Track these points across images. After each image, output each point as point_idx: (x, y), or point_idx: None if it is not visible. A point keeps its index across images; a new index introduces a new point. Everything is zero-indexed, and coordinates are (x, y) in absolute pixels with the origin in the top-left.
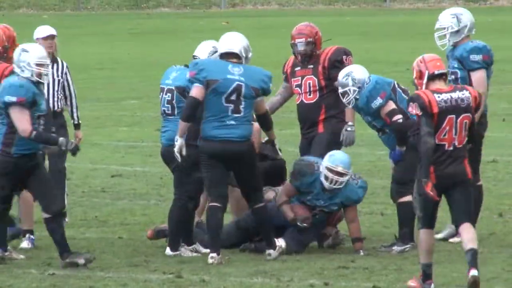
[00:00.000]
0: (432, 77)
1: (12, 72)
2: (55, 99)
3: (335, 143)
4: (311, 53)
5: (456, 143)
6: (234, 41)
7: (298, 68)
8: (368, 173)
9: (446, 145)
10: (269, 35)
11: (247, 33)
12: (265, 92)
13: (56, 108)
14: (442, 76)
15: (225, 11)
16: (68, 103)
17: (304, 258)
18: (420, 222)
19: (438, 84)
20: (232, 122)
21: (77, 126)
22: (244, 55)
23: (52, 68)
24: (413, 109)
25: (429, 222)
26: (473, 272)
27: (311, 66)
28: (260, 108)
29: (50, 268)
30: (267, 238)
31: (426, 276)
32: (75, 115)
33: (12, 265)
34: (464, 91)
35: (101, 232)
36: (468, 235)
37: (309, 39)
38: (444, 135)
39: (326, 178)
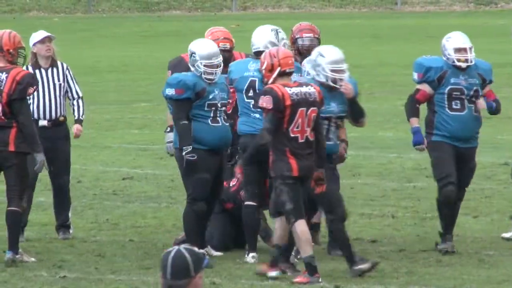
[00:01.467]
0: (283, 74)
1: (24, 77)
2: (58, 106)
3: None
4: (312, 49)
5: (309, 136)
6: (257, 39)
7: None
8: (379, 175)
9: (299, 137)
10: None
11: None
12: None
13: (58, 115)
14: (290, 74)
15: (236, 14)
16: (74, 102)
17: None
18: (292, 215)
19: (286, 80)
20: (257, 115)
21: (78, 121)
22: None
23: (52, 72)
24: (265, 103)
25: (301, 212)
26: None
27: None
28: None
29: (61, 271)
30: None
31: (312, 269)
32: (80, 113)
33: (23, 268)
34: (310, 86)
35: (112, 235)
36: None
37: (315, 36)
38: (297, 127)
39: (334, 80)
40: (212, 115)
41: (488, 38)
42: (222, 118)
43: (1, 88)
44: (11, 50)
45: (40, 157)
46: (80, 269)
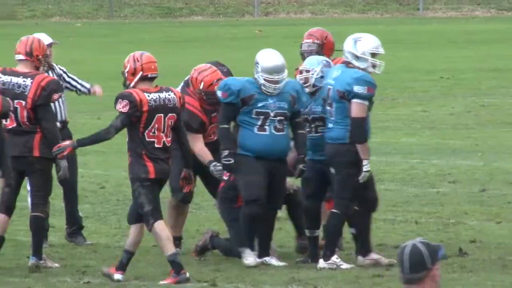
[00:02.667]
0: (144, 78)
1: (49, 83)
2: (61, 108)
3: None
4: (315, 55)
5: (166, 141)
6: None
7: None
8: (402, 181)
9: (156, 142)
10: None
11: (280, 41)
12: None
13: (63, 118)
14: (153, 79)
15: (258, 20)
16: (83, 89)
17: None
18: (151, 216)
19: (148, 85)
20: (330, 125)
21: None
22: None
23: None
24: (121, 107)
25: (160, 213)
26: None
27: None
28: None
29: (85, 277)
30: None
31: (177, 266)
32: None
33: (47, 274)
34: (170, 92)
35: None
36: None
37: (316, 41)
38: (154, 132)
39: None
40: (259, 123)
41: (510, 43)
42: (273, 127)
43: (26, 93)
44: (40, 56)
45: (64, 163)
46: None
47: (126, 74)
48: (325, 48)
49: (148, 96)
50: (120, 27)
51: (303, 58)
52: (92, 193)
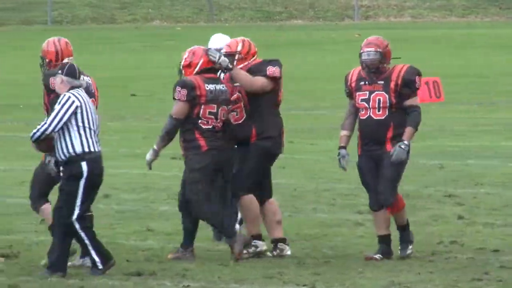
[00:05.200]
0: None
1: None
2: None
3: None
4: (378, 64)
5: None
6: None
7: (364, 83)
8: (502, 185)
9: None
10: (402, 48)
11: None
12: None
13: None
14: None
15: (358, 23)
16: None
17: (437, 270)
18: None
19: None
20: None
21: None
22: None
23: None
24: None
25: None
26: None
27: (381, 82)
28: None
29: (184, 280)
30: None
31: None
32: None
33: (146, 277)
34: None
35: None
36: None
37: (378, 50)
38: None
39: None
40: None
41: None
42: None
43: (92, 91)
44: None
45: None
46: (204, 278)
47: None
48: (386, 56)
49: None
50: (220, 30)
51: (363, 68)
52: None
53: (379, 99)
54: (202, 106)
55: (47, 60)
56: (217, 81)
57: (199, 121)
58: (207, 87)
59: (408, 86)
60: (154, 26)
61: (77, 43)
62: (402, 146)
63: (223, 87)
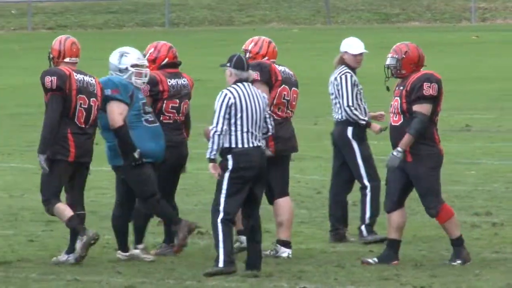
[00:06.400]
0: None
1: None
2: None
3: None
4: (394, 70)
5: None
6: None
7: (396, 88)
8: None
9: None
10: None
11: (497, 48)
12: None
13: None
14: None
15: (475, 25)
16: None
17: None
18: None
19: None
20: None
21: None
22: None
23: None
24: None
25: None
26: None
27: (400, 88)
28: None
29: (301, 282)
30: None
31: None
32: None
33: (263, 279)
34: None
35: (352, 245)
36: None
37: (395, 56)
38: None
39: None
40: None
41: None
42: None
43: (95, 91)
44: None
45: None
46: (320, 280)
47: None
48: (403, 63)
49: None
50: (337, 33)
51: (392, 74)
52: (308, 198)
53: (395, 105)
54: (165, 101)
55: (51, 56)
56: (178, 75)
57: (161, 116)
58: (169, 82)
59: (414, 91)
60: (271, 28)
61: (193, 45)
62: (395, 153)
63: (184, 81)
